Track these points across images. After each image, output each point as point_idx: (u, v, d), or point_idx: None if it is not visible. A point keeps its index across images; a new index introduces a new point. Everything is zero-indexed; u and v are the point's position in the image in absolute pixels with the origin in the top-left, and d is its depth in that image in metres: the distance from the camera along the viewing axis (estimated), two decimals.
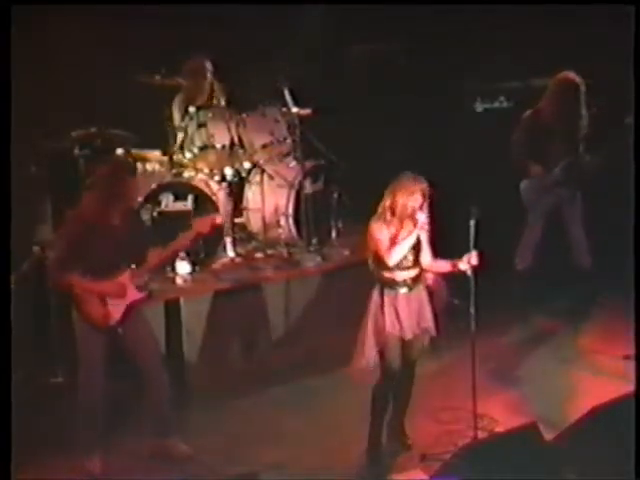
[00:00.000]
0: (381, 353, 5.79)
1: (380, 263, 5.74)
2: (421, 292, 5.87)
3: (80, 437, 6.00)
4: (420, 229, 5.68)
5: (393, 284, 5.76)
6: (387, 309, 5.74)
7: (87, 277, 5.72)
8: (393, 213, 5.69)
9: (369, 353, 5.78)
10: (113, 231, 5.75)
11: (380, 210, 5.75)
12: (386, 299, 5.75)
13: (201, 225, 6.01)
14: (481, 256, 5.72)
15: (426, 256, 5.85)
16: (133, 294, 5.88)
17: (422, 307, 5.86)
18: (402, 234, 5.71)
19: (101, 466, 5.96)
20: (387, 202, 5.71)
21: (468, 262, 5.72)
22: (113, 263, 5.79)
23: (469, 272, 5.73)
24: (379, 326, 5.75)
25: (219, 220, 6.16)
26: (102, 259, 5.74)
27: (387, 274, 5.75)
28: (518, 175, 7.75)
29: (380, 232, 5.71)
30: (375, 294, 5.80)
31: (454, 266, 5.80)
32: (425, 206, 5.69)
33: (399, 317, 5.76)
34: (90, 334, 5.81)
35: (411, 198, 5.65)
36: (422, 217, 5.67)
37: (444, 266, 5.88)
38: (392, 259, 5.69)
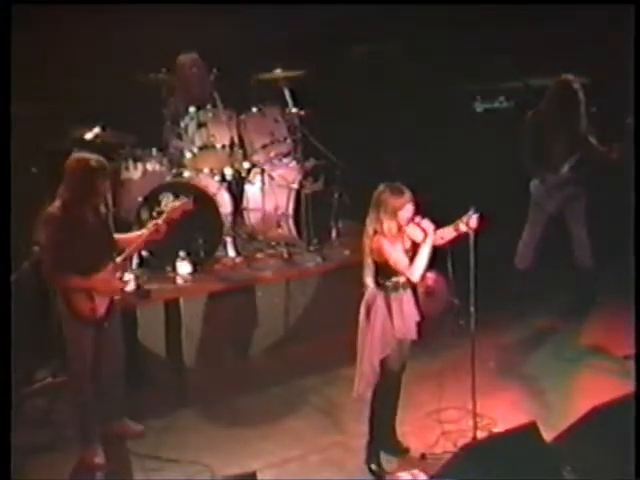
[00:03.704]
0: (384, 357, 5.74)
1: (389, 273, 5.63)
2: (410, 292, 5.81)
3: (75, 431, 6.05)
4: (432, 235, 5.55)
5: (397, 287, 5.68)
6: (395, 312, 5.67)
7: (75, 275, 5.75)
8: (390, 230, 5.57)
9: (375, 361, 5.71)
10: (89, 227, 5.80)
11: (373, 228, 5.59)
12: (393, 303, 5.69)
13: (173, 211, 6.09)
14: (481, 218, 5.64)
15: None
16: (117, 286, 5.95)
17: (414, 307, 5.79)
18: (406, 244, 5.64)
19: (101, 457, 5.99)
20: (379, 223, 5.55)
21: (467, 225, 5.64)
22: (96, 258, 5.83)
23: (471, 234, 5.64)
24: (387, 331, 5.68)
25: (189, 206, 6.19)
26: (85, 255, 5.77)
27: (393, 278, 5.66)
28: (519, 174, 7.75)
29: (391, 248, 5.56)
30: (379, 300, 5.66)
31: (456, 229, 5.67)
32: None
33: (404, 319, 5.71)
34: (79, 330, 5.85)
35: (402, 213, 5.53)
36: (426, 223, 5.56)
37: (446, 233, 5.70)
38: (416, 274, 5.58)
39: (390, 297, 5.68)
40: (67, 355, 5.97)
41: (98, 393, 6.04)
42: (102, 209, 5.99)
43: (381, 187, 5.62)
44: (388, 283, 5.66)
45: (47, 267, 5.82)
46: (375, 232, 5.59)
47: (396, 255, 5.58)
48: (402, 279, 5.67)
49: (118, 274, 5.97)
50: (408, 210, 5.56)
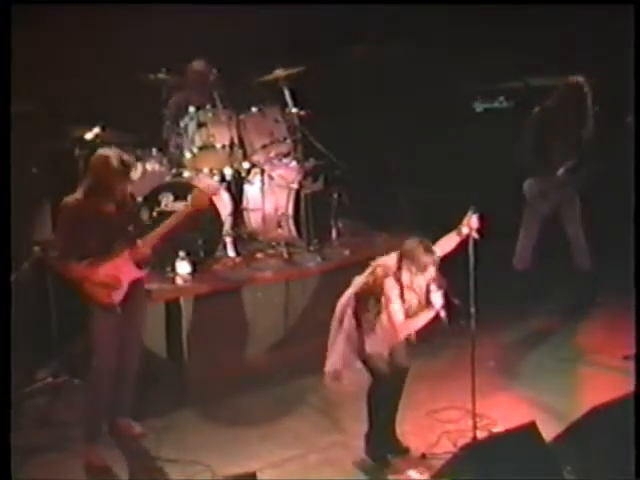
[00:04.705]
0: (365, 362, 5.72)
1: (371, 304, 5.64)
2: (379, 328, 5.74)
3: (86, 425, 6.06)
4: (435, 310, 5.53)
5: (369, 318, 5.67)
6: (365, 330, 5.67)
7: (84, 262, 5.76)
8: (410, 283, 5.55)
9: (346, 351, 5.72)
10: (107, 217, 5.80)
11: (391, 271, 5.56)
12: (364, 323, 5.67)
13: (198, 200, 6.08)
14: (481, 217, 5.66)
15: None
16: (134, 273, 5.94)
17: (384, 338, 5.71)
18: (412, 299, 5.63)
19: (104, 457, 6.00)
20: (400, 271, 5.54)
21: (468, 225, 5.65)
22: (108, 244, 5.83)
23: (474, 234, 5.64)
24: (355, 346, 5.69)
25: (214, 192, 6.15)
26: (98, 244, 5.78)
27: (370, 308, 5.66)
28: (519, 174, 7.75)
29: (396, 297, 5.53)
30: (348, 315, 5.69)
31: (459, 234, 5.69)
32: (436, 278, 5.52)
33: (372, 339, 5.68)
34: (101, 319, 5.85)
35: (425, 273, 5.50)
36: (438, 298, 5.52)
37: (452, 240, 5.72)
38: (403, 333, 5.61)
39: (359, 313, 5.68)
40: (92, 350, 5.97)
41: (112, 391, 6.05)
42: (124, 200, 5.94)
43: (414, 241, 5.53)
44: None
45: (59, 257, 5.88)
46: (387, 275, 5.56)
47: (397, 309, 5.55)
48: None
49: (135, 260, 5.94)
50: (430, 273, 5.52)
